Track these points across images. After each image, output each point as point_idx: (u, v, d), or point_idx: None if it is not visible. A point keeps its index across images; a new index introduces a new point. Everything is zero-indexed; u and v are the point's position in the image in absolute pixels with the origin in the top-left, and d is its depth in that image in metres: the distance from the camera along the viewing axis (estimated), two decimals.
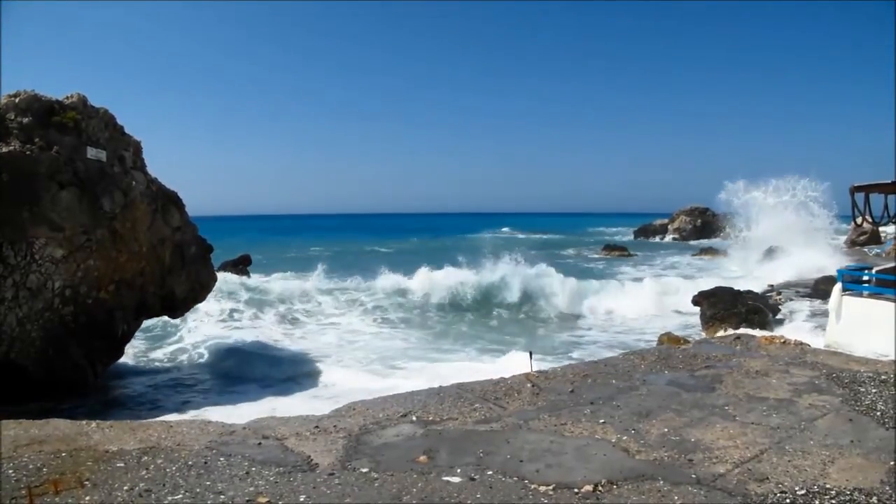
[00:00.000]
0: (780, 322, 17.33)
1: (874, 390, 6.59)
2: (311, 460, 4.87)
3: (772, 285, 23.09)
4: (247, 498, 4.10)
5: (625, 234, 74.73)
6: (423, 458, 4.91)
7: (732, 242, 40.22)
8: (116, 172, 12.15)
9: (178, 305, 14.34)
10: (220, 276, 19.30)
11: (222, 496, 4.13)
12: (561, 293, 23.85)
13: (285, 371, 14.21)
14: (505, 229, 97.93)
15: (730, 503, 4.02)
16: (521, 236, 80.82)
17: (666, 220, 67.77)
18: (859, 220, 13.14)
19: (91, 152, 11.56)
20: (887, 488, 4.17)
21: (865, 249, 36.72)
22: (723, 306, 17.86)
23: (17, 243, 10.21)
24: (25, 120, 10.72)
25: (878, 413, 5.84)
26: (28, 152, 10.44)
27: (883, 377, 7.12)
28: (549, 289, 24.21)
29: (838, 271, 12.23)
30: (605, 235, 76.90)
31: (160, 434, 5.54)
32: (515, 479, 4.44)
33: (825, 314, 13.60)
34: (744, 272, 30.66)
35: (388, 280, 26.01)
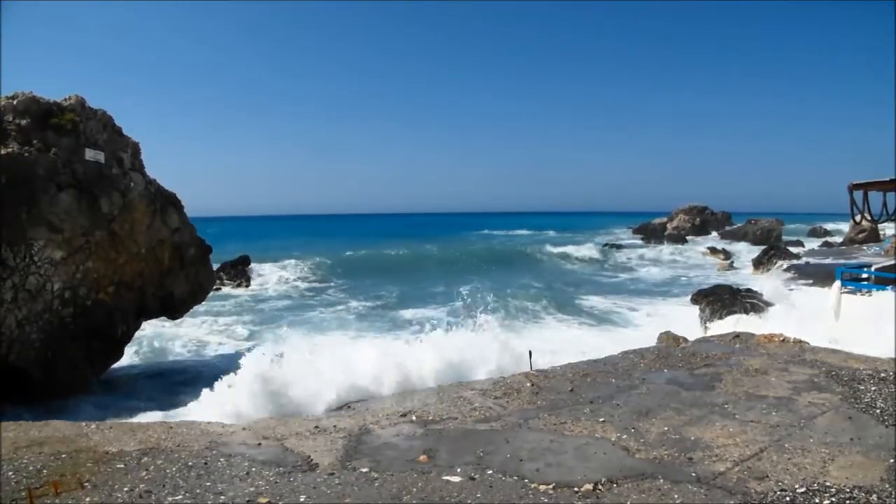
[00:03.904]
0: (779, 320, 17.32)
1: (873, 388, 6.59)
2: (311, 460, 4.88)
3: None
4: (247, 498, 4.10)
5: (624, 235, 74.63)
6: (422, 457, 4.91)
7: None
8: (115, 174, 12.13)
9: (178, 306, 14.31)
10: None
11: (222, 497, 4.13)
12: None
13: None
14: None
15: (730, 501, 4.02)
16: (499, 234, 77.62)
17: (665, 219, 67.74)
18: (858, 217, 13.15)
19: (89, 154, 11.54)
20: (887, 486, 4.17)
21: (864, 247, 36.66)
22: (721, 304, 17.91)
23: (16, 245, 10.20)
24: (24, 122, 10.70)
25: (878, 410, 5.84)
26: (26, 154, 10.42)
27: (882, 374, 7.12)
28: None
29: (837, 269, 12.24)
30: (600, 235, 76.45)
31: (160, 435, 5.54)
32: (515, 478, 4.44)
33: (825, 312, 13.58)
34: None
35: None
